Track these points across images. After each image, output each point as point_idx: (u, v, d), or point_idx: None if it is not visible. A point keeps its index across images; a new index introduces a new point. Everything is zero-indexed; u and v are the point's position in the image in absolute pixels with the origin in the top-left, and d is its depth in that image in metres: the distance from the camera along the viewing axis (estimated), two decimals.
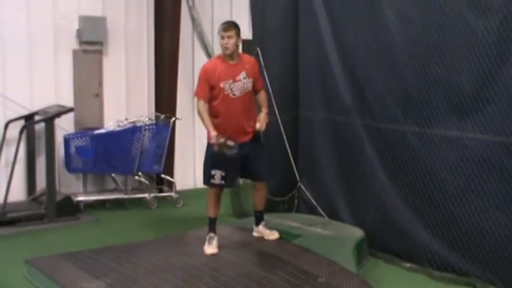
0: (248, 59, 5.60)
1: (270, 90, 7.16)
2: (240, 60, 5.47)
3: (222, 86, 5.35)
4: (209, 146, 5.49)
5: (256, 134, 5.57)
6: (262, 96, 5.67)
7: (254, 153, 5.57)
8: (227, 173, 5.48)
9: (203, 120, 5.38)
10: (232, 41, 5.33)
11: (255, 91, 5.57)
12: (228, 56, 5.41)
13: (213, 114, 5.42)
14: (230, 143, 5.25)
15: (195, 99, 5.55)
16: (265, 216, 6.40)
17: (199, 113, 5.43)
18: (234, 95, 5.38)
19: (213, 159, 5.46)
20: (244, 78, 5.42)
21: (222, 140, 5.23)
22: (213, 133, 5.25)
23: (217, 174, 5.45)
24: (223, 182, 5.49)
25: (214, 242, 5.52)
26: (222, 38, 5.36)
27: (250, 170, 5.67)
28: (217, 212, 5.65)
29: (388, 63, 5.81)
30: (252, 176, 5.79)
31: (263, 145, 5.77)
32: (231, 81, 5.37)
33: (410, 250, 5.67)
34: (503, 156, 4.89)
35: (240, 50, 8.57)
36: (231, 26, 5.38)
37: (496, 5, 4.81)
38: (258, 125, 5.44)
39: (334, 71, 6.49)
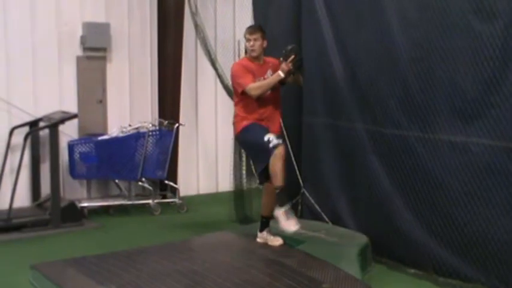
0: (271, 59, 5.74)
1: None
2: (264, 61, 5.66)
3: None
4: (246, 132, 5.54)
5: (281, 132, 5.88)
6: None
7: None
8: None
9: (266, 85, 5.44)
10: (258, 43, 5.52)
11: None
12: (255, 58, 5.59)
13: (247, 110, 5.55)
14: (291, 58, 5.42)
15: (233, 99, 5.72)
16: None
17: (258, 89, 5.41)
18: None
19: (256, 130, 5.48)
20: (271, 75, 5.58)
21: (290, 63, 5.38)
22: (282, 65, 5.39)
23: (271, 137, 5.35)
24: (281, 141, 5.37)
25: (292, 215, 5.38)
26: (248, 40, 5.54)
27: None
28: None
29: (392, 68, 5.80)
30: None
31: None
32: (262, 78, 5.55)
33: (415, 256, 5.64)
34: (508, 161, 4.87)
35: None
36: (257, 29, 5.62)
37: (501, 10, 4.80)
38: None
39: (337, 76, 6.49)
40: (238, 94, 5.60)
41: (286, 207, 5.38)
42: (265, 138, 5.36)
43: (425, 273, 5.53)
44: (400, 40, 5.68)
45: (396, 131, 5.80)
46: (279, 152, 5.32)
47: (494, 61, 4.89)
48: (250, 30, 5.62)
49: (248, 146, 5.76)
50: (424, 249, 5.56)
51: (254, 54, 5.56)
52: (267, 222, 5.89)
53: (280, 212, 5.36)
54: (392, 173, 5.87)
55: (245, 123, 5.58)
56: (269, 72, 5.61)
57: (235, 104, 5.73)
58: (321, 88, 6.79)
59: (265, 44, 5.59)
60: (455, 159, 5.27)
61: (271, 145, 5.33)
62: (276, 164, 5.32)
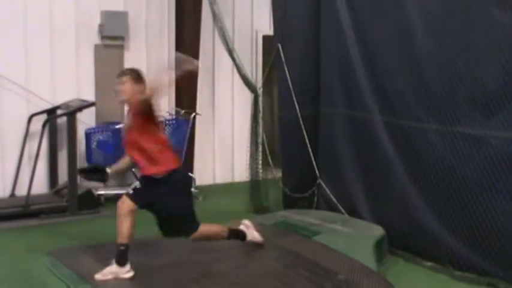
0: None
1: (291, 85, 7.16)
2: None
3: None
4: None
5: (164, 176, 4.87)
6: None
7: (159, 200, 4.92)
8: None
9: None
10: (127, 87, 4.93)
11: None
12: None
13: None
14: None
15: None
16: (284, 213, 6.38)
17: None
18: None
19: None
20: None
21: None
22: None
23: (133, 185, 4.95)
24: (130, 191, 4.86)
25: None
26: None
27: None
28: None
29: (410, 60, 5.76)
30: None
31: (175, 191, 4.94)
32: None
33: (431, 249, 5.62)
34: None
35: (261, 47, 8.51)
36: (124, 73, 5.03)
37: None
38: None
39: (355, 67, 6.45)
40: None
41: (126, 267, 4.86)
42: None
43: (442, 266, 5.50)
44: (419, 31, 5.64)
45: (414, 123, 5.76)
46: (118, 206, 4.84)
47: None
48: (118, 73, 5.03)
49: None
50: (440, 242, 5.53)
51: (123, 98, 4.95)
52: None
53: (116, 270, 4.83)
54: (410, 166, 5.84)
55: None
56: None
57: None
58: (339, 79, 6.76)
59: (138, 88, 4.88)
60: (474, 152, 5.23)
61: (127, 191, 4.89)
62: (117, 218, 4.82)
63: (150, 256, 5.43)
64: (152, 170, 4.86)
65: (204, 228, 5.10)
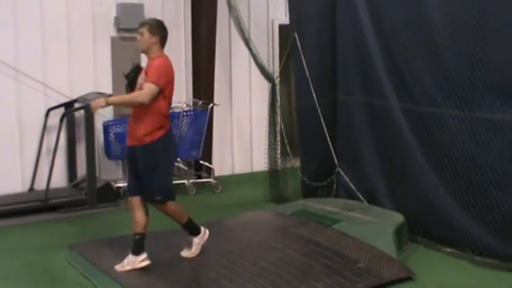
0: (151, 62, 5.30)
1: (308, 74, 7.13)
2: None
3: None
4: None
5: (147, 145, 5.06)
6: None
7: (138, 165, 5.18)
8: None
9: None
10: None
11: None
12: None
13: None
14: None
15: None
16: (304, 201, 6.35)
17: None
18: None
19: None
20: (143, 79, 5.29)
21: None
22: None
23: None
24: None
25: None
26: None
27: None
28: None
29: (428, 45, 5.69)
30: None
31: (152, 162, 5.10)
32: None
33: (452, 235, 5.57)
34: None
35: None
36: (143, 23, 5.16)
37: None
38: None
39: (372, 54, 6.39)
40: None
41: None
42: None
43: (462, 252, 5.46)
44: (437, 17, 5.57)
45: (432, 109, 5.70)
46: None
47: None
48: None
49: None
50: (461, 228, 5.49)
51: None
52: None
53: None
54: (428, 152, 5.79)
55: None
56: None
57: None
58: (356, 66, 6.71)
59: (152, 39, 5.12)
60: (493, 138, 5.18)
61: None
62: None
63: (170, 246, 5.44)
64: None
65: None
